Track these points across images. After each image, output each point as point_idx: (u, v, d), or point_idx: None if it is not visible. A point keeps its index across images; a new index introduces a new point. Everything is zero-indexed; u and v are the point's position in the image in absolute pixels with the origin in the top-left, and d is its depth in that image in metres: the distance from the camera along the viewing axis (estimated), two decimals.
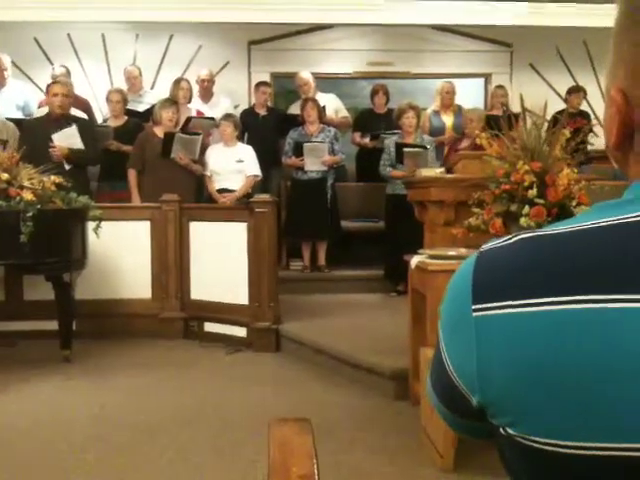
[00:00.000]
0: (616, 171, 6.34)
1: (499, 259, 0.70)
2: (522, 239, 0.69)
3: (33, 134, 5.26)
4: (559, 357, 0.63)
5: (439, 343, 0.76)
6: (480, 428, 0.76)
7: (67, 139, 5.43)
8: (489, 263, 0.70)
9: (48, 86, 5.68)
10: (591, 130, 6.35)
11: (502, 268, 0.69)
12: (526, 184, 3.26)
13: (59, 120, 5.49)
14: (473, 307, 0.68)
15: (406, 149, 5.79)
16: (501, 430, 0.69)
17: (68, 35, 7.35)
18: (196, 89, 6.69)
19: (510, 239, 0.70)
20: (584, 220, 0.68)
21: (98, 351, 4.81)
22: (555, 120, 3.59)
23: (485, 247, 0.72)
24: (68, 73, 6.65)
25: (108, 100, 6.26)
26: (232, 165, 5.82)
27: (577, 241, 0.66)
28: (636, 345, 0.60)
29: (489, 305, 0.67)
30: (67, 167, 5.31)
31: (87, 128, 5.64)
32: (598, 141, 7.04)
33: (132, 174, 5.80)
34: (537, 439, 0.65)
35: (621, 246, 0.64)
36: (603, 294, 0.62)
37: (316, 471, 0.69)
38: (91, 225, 4.67)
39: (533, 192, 3.25)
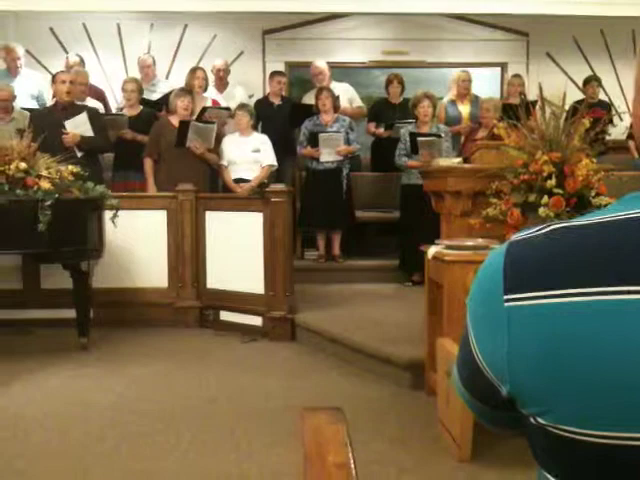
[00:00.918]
0: (634, 161, 6.28)
1: (530, 250, 0.70)
2: (553, 230, 0.70)
3: (42, 123, 5.28)
4: (591, 347, 0.64)
5: (467, 334, 0.76)
6: (507, 418, 0.77)
7: (79, 126, 5.46)
8: (520, 253, 0.71)
9: (55, 75, 5.70)
10: (611, 121, 6.29)
11: (534, 258, 0.69)
12: (545, 174, 3.25)
13: (67, 109, 5.52)
14: (505, 297, 0.69)
15: (420, 138, 5.76)
16: (531, 419, 0.70)
17: (83, 25, 7.37)
18: (211, 79, 6.69)
19: (541, 230, 0.71)
20: (614, 211, 0.69)
21: (114, 339, 4.84)
22: (573, 110, 3.55)
23: (515, 237, 0.73)
24: (82, 62, 6.67)
25: (123, 89, 6.27)
26: (248, 155, 5.82)
27: (607, 232, 0.67)
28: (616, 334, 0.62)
29: (521, 295, 0.68)
30: (79, 154, 5.33)
31: (96, 116, 5.67)
32: (615, 131, 6.99)
33: (148, 163, 5.82)
34: (568, 428, 0.66)
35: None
36: (635, 285, 0.63)
37: (352, 460, 0.69)
38: (108, 214, 4.69)
39: (552, 182, 3.24)
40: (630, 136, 6.96)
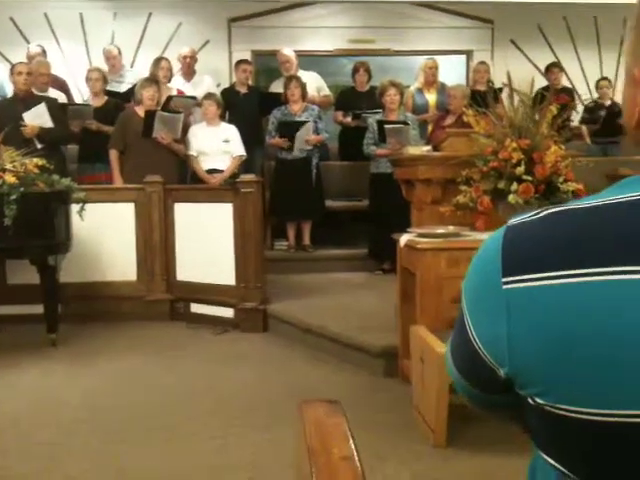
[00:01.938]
0: (590, 147, 6.38)
1: (528, 233, 0.71)
2: (550, 213, 0.71)
3: (1, 115, 5.17)
4: (589, 328, 0.64)
5: (463, 319, 0.76)
6: (502, 402, 0.77)
7: (37, 117, 5.37)
8: (518, 237, 0.71)
9: (13, 66, 5.59)
10: (575, 107, 6.38)
11: (531, 241, 0.70)
12: (514, 161, 3.28)
13: (26, 100, 5.42)
14: (503, 280, 0.70)
15: (387, 126, 5.77)
16: (529, 400, 0.70)
17: (45, 14, 7.21)
18: (177, 67, 6.61)
19: (538, 213, 0.72)
20: (610, 195, 0.70)
21: (84, 334, 4.78)
22: (538, 97, 3.59)
23: (512, 222, 0.74)
24: (44, 53, 6.53)
25: (87, 79, 6.15)
26: (219, 145, 5.77)
27: (602, 215, 0.68)
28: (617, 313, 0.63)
29: (519, 278, 0.69)
30: (39, 146, 5.23)
31: (55, 107, 5.59)
32: (576, 117, 7.09)
33: (114, 154, 5.73)
34: (567, 407, 0.67)
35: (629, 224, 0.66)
36: (630, 266, 0.64)
37: (355, 452, 0.70)
38: (75, 207, 4.62)
39: (521, 169, 3.27)
40: (584, 121, 7.07)
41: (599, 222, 0.68)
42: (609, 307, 0.64)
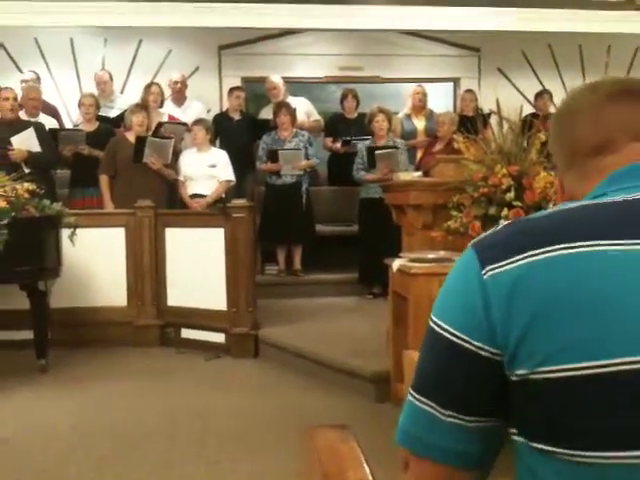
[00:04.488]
0: None
1: (493, 237, 0.83)
2: (507, 223, 0.84)
3: None
4: (571, 290, 0.74)
5: (432, 336, 0.82)
6: (475, 429, 0.80)
7: (25, 142, 5.38)
8: (486, 242, 0.82)
9: None
10: None
11: (499, 240, 0.81)
12: (504, 187, 3.33)
13: (13, 124, 5.45)
14: (482, 272, 0.78)
15: (378, 151, 5.83)
16: (513, 378, 0.76)
17: (35, 40, 7.24)
18: (168, 93, 6.65)
19: (497, 227, 0.84)
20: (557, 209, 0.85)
21: (74, 360, 4.74)
22: (526, 123, 3.65)
23: (475, 239, 0.84)
24: (38, 79, 6.57)
25: (80, 104, 6.18)
26: (205, 170, 5.78)
27: (554, 215, 0.83)
28: (598, 278, 0.74)
29: (496, 265, 0.78)
30: (26, 170, 5.23)
31: (43, 131, 5.62)
32: None
33: (104, 180, 5.74)
34: (555, 367, 0.73)
35: (587, 213, 0.81)
36: (587, 240, 0.76)
37: (370, 475, 0.71)
38: (65, 232, 4.61)
39: (511, 195, 3.32)
40: None
41: (550, 219, 0.82)
42: (589, 272, 0.74)
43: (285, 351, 4.63)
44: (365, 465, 0.72)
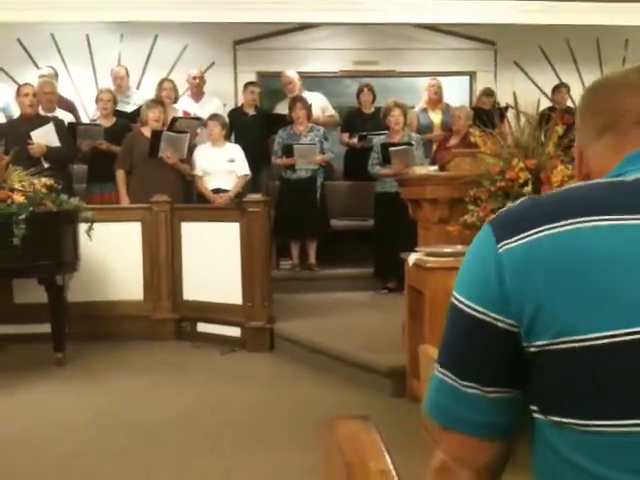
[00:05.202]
0: None
1: (508, 214, 0.85)
2: (522, 199, 0.86)
3: (7, 135, 5.22)
4: (577, 263, 0.76)
5: (454, 313, 0.84)
6: (495, 399, 0.82)
7: (44, 137, 5.43)
8: (501, 218, 0.84)
9: (18, 88, 5.68)
10: None
11: (513, 216, 0.83)
12: (521, 181, 3.31)
13: (32, 120, 5.50)
14: (497, 247, 0.80)
15: (392, 149, 5.81)
16: (532, 349, 0.77)
17: (52, 36, 7.29)
18: (185, 88, 6.68)
19: (513, 204, 0.86)
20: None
21: (91, 354, 4.78)
22: (543, 116, 3.62)
23: (492, 216, 0.87)
24: (56, 75, 6.62)
25: (98, 99, 6.22)
26: (223, 165, 5.81)
27: (567, 192, 0.85)
28: (609, 252, 0.76)
29: (510, 240, 0.80)
30: (46, 165, 5.27)
31: (62, 127, 5.67)
32: None
33: (120, 175, 5.77)
34: (587, 337, 0.74)
35: (595, 192, 0.83)
36: (597, 215, 0.78)
37: (391, 466, 0.71)
38: (82, 227, 4.64)
39: (528, 189, 3.30)
40: None
41: (562, 196, 0.84)
42: (602, 242, 0.76)
43: (300, 345, 4.63)
44: (387, 456, 0.72)
